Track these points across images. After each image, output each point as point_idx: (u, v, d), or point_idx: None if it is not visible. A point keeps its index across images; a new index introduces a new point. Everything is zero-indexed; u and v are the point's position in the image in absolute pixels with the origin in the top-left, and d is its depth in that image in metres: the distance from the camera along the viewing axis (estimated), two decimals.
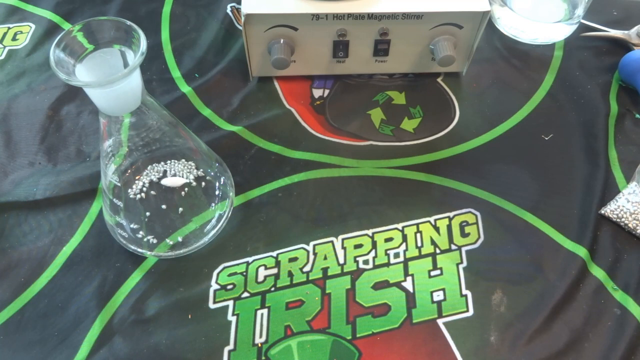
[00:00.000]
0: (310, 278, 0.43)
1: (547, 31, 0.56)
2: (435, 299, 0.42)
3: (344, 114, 0.52)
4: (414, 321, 0.41)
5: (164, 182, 0.42)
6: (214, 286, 0.42)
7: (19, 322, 0.41)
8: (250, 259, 0.43)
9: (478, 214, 0.46)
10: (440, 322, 0.41)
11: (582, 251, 0.43)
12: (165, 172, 0.42)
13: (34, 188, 0.47)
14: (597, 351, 0.39)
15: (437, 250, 0.44)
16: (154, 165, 0.42)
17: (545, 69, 0.56)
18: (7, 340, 0.40)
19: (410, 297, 0.42)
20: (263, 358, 0.39)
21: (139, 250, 0.42)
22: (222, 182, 0.45)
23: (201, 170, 0.43)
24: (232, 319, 0.41)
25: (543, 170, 0.48)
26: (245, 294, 0.42)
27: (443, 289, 0.42)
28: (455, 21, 0.48)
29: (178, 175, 0.42)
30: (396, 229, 0.45)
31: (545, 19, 0.56)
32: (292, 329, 0.40)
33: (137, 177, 0.42)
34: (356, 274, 0.43)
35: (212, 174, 0.44)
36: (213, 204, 0.44)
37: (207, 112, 0.52)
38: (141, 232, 0.42)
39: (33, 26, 0.59)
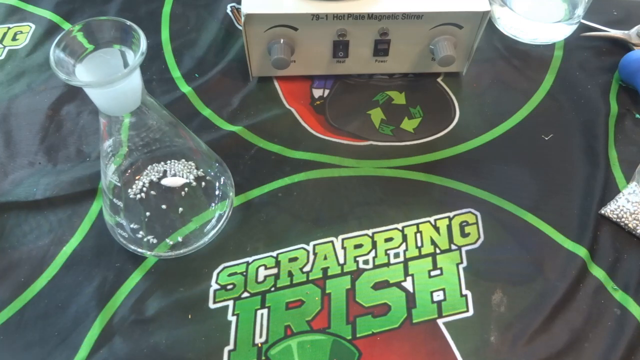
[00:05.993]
0: (310, 278, 0.43)
1: (547, 31, 0.56)
2: (435, 299, 0.42)
3: (344, 114, 0.52)
4: (414, 321, 0.41)
5: (164, 182, 0.42)
6: (214, 286, 0.42)
7: (19, 322, 0.41)
8: (250, 259, 0.43)
9: (478, 214, 0.46)
10: (440, 322, 0.41)
11: (582, 251, 0.43)
12: (165, 172, 0.42)
13: (34, 188, 0.47)
14: (597, 351, 0.39)
15: (437, 250, 0.44)
16: (154, 165, 0.42)
17: (545, 69, 0.56)
18: (7, 340, 0.40)
19: (410, 297, 0.42)
20: (263, 358, 0.39)
21: (139, 250, 0.42)
22: (222, 182, 0.45)
23: (201, 170, 0.43)
24: (232, 319, 0.41)
25: (543, 170, 0.48)
26: (245, 294, 0.42)
27: (443, 289, 0.42)
28: (455, 21, 0.48)
29: (178, 175, 0.42)
30: (396, 229, 0.45)
31: (545, 19, 0.56)
32: (292, 329, 0.40)
33: (137, 177, 0.42)
34: (356, 274, 0.43)
35: (212, 174, 0.44)
36: (213, 204, 0.44)
37: (207, 112, 0.52)
38: (141, 232, 0.42)
39: (33, 26, 0.59)
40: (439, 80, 0.55)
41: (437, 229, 0.45)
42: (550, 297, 0.41)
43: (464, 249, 0.44)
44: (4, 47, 0.57)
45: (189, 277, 0.43)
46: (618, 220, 0.45)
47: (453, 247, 0.44)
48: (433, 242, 0.44)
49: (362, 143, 0.50)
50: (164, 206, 0.42)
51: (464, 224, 0.45)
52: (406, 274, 0.43)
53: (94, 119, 0.51)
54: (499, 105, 0.53)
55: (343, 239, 0.44)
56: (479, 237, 0.45)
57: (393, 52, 0.51)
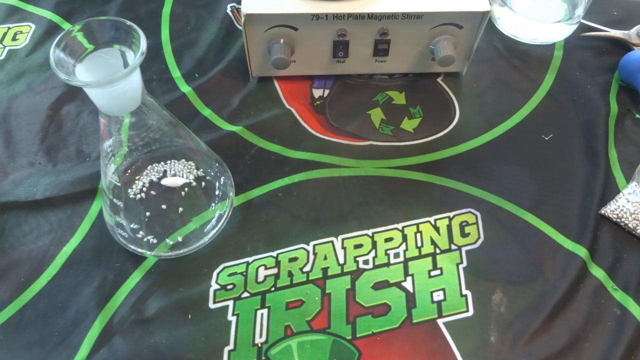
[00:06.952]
0: (310, 278, 0.43)
1: (547, 31, 0.56)
2: (435, 299, 0.42)
3: (344, 114, 0.52)
4: (414, 321, 0.41)
5: (164, 182, 0.42)
6: (214, 286, 0.42)
7: (19, 322, 0.41)
8: (250, 259, 0.43)
9: (478, 214, 0.46)
10: (440, 322, 0.41)
11: (582, 251, 0.43)
12: (165, 172, 0.42)
13: (34, 188, 0.47)
14: (597, 351, 0.39)
15: (437, 250, 0.44)
16: (154, 165, 0.42)
17: (545, 69, 0.56)
18: (7, 340, 0.40)
19: (410, 297, 0.42)
20: (263, 358, 0.39)
21: (139, 250, 0.42)
22: (222, 182, 0.45)
23: (201, 170, 0.43)
24: (232, 319, 0.41)
25: (543, 170, 0.48)
26: (245, 294, 0.42)
27: (443, 289, 0.42)
28: (455, 21, 0.48)
29: (178, 175, 0.42)
30: (396, 229, 0.45)
31: (545, 19, 0.56)
32: (292, 329, 0.40)
33: (137, 177, 0.42)
34: (356, 274, 0.43)
35: (212, 174, 0.44)
36: (213, 204, 0.44)
37: (207, 112, 0.52)
38: (141, 232, 0.42)
39: (33, 26, 0.59)
40: (439, 80, 0.55)
41: (437, 229, 0.45)
42: (550, 297, 0.41)
43: (464, 249, 0.44)
44: (4, 47, 0.57)
45: (189, 277, 0.43)
46: (618, 220, 0.45)
47: (453, 247, 0.44)
48: (433, 242, 0.44)
49: (362, 143, 0.50)
50: (164, 206, 0.42)
51: (464, 224, 0.45)
52: (406, 274, 0.43)
53: (94, 119, 0.51)
54: (499, 105, 0.53)
55: (343, 239, 0.44)
56: (479, 237, 0.45)
57: (393, 52, 0.51)
